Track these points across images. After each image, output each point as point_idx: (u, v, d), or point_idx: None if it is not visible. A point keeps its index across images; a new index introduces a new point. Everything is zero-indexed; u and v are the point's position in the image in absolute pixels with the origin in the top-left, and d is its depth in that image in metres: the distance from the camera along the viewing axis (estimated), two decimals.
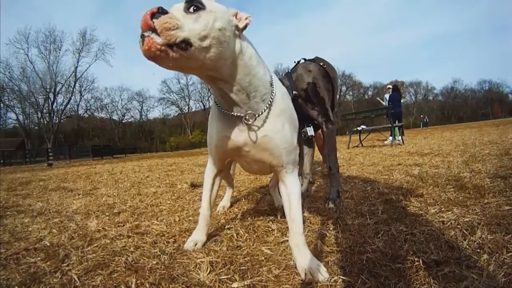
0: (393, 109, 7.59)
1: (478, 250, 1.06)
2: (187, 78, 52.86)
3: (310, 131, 2.03)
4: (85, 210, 2.30)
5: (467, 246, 1.09)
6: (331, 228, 1.44)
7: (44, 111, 36.42)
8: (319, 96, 1.88)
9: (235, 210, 2.00)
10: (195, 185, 3.11)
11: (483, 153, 3.61)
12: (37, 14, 59.49)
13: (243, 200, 2.29)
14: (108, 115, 49.20)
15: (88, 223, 1.87)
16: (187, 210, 2.07)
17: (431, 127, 28.01)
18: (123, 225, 1.76)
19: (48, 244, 1.48)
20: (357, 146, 7.61)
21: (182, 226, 1.65)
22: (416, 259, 1.01)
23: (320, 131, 2.03)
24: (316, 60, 2.04)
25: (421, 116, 40.68)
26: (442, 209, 1.53)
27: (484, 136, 6.80)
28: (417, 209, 1.59)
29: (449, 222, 1.33)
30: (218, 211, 1.98)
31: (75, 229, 1.75)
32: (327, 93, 1.93)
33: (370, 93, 58.89)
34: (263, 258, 1.16)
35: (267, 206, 1.99)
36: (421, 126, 32.98)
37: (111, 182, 4.14)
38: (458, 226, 1.28)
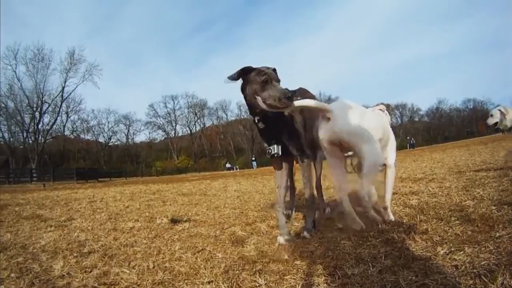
0: None
1: None
2: (174, 103, 52.77)
3: (274, 149, 1.82)
4: (53, 247, 2.10)
5: None
6: (328, 281, 1.22)
7: (30, 130, 35.69)
8: (295, 130, 1.93)
9: (217, 255, 1.70)
10: (176, 221, 2.79)
11: (480, 175, 3.51)
12: (28, 30, 58.63)
13: (227, 242, 1.98)
14: (94, 137, 48.12)
15: (53, 265, 1.69)
16: (163, 253, 1.80)
17: (418, 148, 28.32)
18: (90, 271, 1.55)
19: None
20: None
21: (156, 277, 1.40)
22: None
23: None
24: (297, 92, 2.03)
25: (407, 137, 41.00)
26: (452, 249, 1.36)
27: (475, 155, 6.80)
28: (423, 250, 1.41)
29: (464, 266, 1.18)
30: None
31: (37, 273, 1.59)
32: (302, 128, 1.99)
33: None
34: None
35: (254, 250, 1.73)
36: (408, 147, 33.25)
37: (89, 212, 3.85)
38: (475, 271, 1.13)
